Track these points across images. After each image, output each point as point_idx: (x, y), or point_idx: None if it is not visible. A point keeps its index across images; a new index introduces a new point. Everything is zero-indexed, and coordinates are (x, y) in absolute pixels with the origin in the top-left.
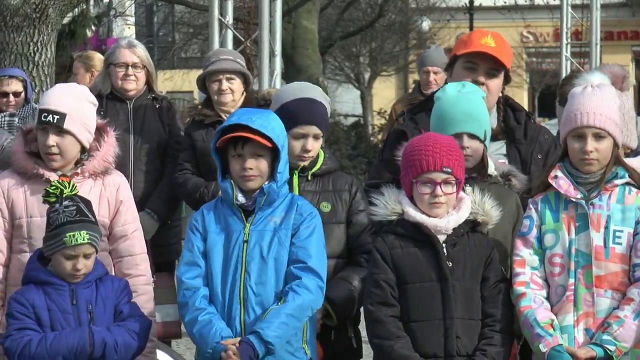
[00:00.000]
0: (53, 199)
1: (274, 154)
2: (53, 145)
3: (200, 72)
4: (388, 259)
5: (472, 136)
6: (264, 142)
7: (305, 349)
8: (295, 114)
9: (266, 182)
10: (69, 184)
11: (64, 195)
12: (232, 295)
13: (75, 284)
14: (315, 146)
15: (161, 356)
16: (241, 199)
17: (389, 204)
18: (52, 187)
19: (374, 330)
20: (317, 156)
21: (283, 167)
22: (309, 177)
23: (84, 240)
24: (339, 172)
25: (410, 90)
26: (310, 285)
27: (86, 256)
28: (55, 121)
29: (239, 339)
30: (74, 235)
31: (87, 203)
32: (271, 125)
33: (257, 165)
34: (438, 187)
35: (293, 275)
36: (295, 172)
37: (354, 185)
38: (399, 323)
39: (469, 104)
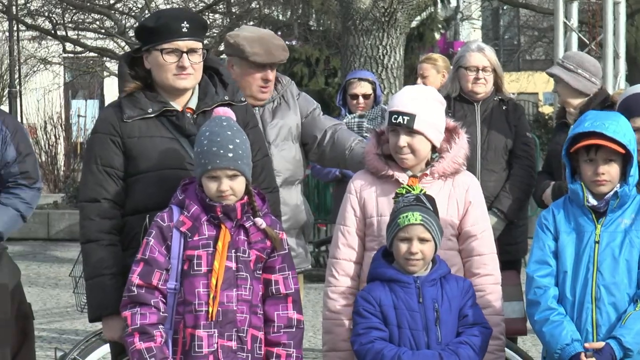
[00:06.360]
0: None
1: (624, 157)
2: (404, 146)
3: (544, 74)
4: None
5: None
6: (618, 148)
7: None
8: (630, 106)
9: (617, 185)
10: (417, 186)
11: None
12: (584, 295)
13: (421, 282)
14: None
15: (507, 353)
16: (592, 201)
17: None
18: (401, 189)
19: None
20: None
21: (635, 170)
22: None
23: (416, 220)
24: None
25: None
26: None
27: (422, 240)
28: (405, 122)
29: (602, 343)
30: (406, 216)
31: (430, 198)
32: (623, 130)
33: (608, 171)
34: None
35: None
36: None
37: None
38: None
39: None
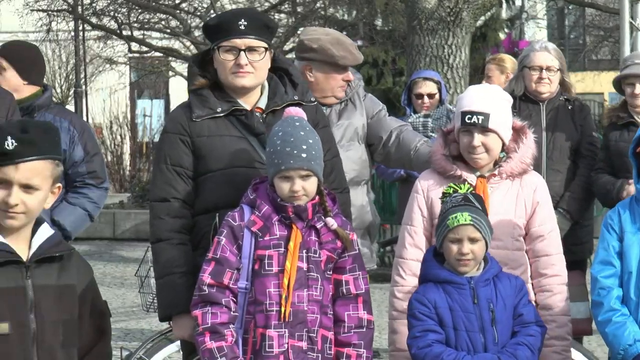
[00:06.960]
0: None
1: None
2: (479, 146)
3: (610, 74)
4: None
5: None
6: None
7: None
8: None
9: None
10: (464, 185)
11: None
12: None
13: (475, 282)
14: None
15: (573, 353)
16: None
17: None
18: (448, 189)
19: None
20: None
21: None
22: None
23: (466, 220)
24: None
25: None
26: None
27: (472, 240)
28: (480, 122)
29: None
30: (455, 217)
31: (478, 197)
32: None
33: None
34: None
35: None
36: None
37: None
38: None
39: None
